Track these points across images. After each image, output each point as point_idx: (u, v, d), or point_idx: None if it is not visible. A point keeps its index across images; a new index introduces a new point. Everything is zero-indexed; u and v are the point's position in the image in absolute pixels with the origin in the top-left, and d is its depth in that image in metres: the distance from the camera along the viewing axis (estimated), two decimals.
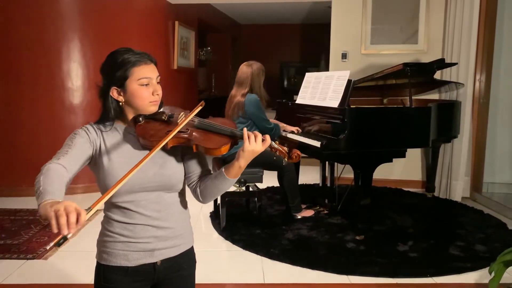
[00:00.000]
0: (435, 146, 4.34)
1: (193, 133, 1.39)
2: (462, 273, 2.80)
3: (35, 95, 4.45)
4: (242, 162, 1.37)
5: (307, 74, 3.98)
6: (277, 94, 9.32)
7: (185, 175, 1.47)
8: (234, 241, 3.28)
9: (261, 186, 4.14)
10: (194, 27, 6.64)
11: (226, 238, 3.36)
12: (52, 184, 1.15)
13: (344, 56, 5.01)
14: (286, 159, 1.45)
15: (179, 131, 1.34)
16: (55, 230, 0.97)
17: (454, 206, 4.30)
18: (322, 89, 3.59)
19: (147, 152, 1.30)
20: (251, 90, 3.59)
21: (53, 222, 0.97)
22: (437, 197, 4.61)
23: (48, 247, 1.05)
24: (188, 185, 1.49)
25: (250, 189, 3.76)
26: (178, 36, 5.74)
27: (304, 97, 3.82)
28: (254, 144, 1.36)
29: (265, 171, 3.51)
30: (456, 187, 4.51)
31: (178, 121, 1.40)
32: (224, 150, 1.39)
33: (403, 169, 5.00)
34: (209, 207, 3.97)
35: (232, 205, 4.08)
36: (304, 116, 3.69)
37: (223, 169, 1.40)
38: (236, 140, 1.42)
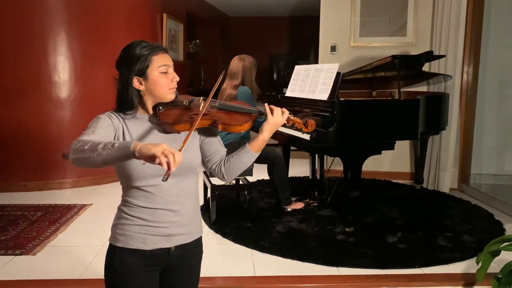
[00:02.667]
0: (424, 138, 4.36)
1: (217, 114, 1.51)
2: (450, 264, 2.83)
3: (21, 89, 4.38)
4: (266, 134, 1.49)
5: (296, 67, 3.97)
6: (266, 87, 9.32)
7: (205, 157, 1.56)
8: (224, 235, 3.28)
9: (251, 179, 4.14)
10: (183, 20, 6.59)
11: (217, 231, 3.35)
12: (110, 140, 1.31)
13: (333, 48, 5.01)
14: (303, 129, 1.57)
15: (204, 114, 1.42)
16: (165, 167, 1.14)
17: (442, 198, 4.35)
18: (311, 82, 3.59)
19: (170, 138, 1.45)
20: (242, 83, 3.62)
21: (163, 160, 1.14)
22: (426, 189, 4.65)
23: (163, 178, 1.14)
24: (210, 166, 1.57)
25: (240, 182, 3.75)
26: (167, 28, 5.69)
27: (293, 90, 3.82)
28: (277, 116, 1.49)
29: (255, 164, 3.50)
30: (444, 178, 4.55)
31: (200, 104, 1.49)
32: (247, 126, 1.51)
33: (392, 161, 5.03)
34: (199, 200, 3.96)
35: (222, 198, 4.07)
36: (293, 109, 3.68)
37: (247, 145, 1.51)
38: (255, 117, 1.54)
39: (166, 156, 1.14)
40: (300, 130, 1.57)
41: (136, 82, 1.43)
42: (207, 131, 1.55)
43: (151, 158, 1.16)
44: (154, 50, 1.44)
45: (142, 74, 1.43)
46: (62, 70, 4.46)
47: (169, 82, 1.45)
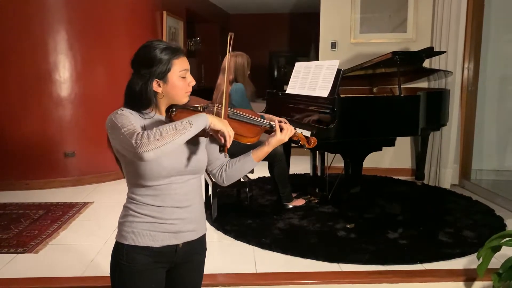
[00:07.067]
0: (424, 134, 4.36)
1: (230, 123, 1.51)
2: (451, 259, 2.83)
3: (22, 88, 4.39)
4: (270, 148, 1.57)
5: (296, 63, 3.97)
6: (267, 84, 9.31)
7: (207, 161, 1.59)
8: (225, 232, 3.29)
9: (252, 176, 4.14)
10: (183, 17, 6.58)
11: (218, 228, 3.36)
12: None
13: (333, 45, 5.01)
14: (305, 146, 1.67)
15: None
16: (228, 144, 1.38)
17: (443, 193, 4.35)
18: (311, 79, 3.59)
19: None
20: (235, 79, 3.62)
21: (228, 139, 1.38)
22: (427, 185, 4.66)
23: (226, 154, 1.42)
24: (210, 170, 1.62)
25: (241, 179, 3.76)
26: (167, 26, 5.69)
27: (294, 87, 3.82)
28: (285, 134, 1.58)
29: None
30: (445, 174, 4.56)
31: (214, 111, 1.53)
32: (256, 139, 1.57)
33: (392, 158, 5.03)
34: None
35: (223, 195, 4.08)
36: (294, 106, 3.69)
37: (251, 153, 1.58)
38: (264, 130, 1.60)
39: (230, 136, 1.38)
40: (303, 146, 1.67)
41: (155, 85, 1.43)
42: (212, 139, 1.58)
43: (217, 132, 1.38)
44: (175, 53, 1.44)
45: (163, 77, 1.43)
46: (62, 69, 4.46)
47: (186, 85, 1.47)
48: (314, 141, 1.69)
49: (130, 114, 1.42)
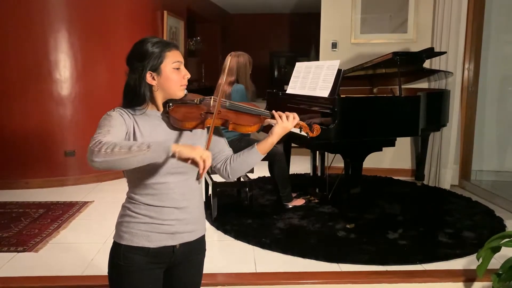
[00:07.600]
0: (425, 135, 4.37)
1: (228, 114, 1.54)
2: (450, 260, 2.84)
3: (23, 87, 4.39)
4: (274, 138, 1.52)
5: (297, 63, 3.97)
6: (267, 84, 9.31)
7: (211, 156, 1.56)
8: (225, 231, 3.29)
9: (252, 176, 4.14)
10: (183, 17, 6.58)
11: (218, 228, 3.36)
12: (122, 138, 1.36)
13: (334, 45, 5.01)
14: (309, 134, 1.61)
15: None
16: (201, 170, 1.25)
17: (443, 194, 4.35)
18: (312, 79, 3.59)
19: (179, 134, 1.48)
20: (237, 80, 3.62)
21: (201, 165, 1.25)
22: (427, 185, 4.66)
23: (198, 180, 1.39)
24: (214, 165, 1.59)
25: (241, 179, 3.76)
26: (167, 26, 5.69)
27: (294, 87, 3.82)
28: (286, 121, 1.52)
29: None
30: (445, 175, 4.56)
31: (211, 103, 1.53)
32: (256, 127, 1.54)
33: (392, 158, 5.03)
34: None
35: (224, 195, 4.08)
36: (294, 106, 3.69)
37: (255, 145, 1.54)
38: (263, 119, 1.57)
39: (206, 161, 1.25)
40: (306, 134, 1.61)
41: (149, 77, 1.44)
42: (214, 130, 1.56)
43: (187, 160, 1.26)
44: (167, 46, 1.46)
45: (156, 69, 1.44)
46: (63, 68, 4.47)
47: (181, 78, 1.47)
48: (317, 129, 1.61)
49: (119, 116, 1.41)
